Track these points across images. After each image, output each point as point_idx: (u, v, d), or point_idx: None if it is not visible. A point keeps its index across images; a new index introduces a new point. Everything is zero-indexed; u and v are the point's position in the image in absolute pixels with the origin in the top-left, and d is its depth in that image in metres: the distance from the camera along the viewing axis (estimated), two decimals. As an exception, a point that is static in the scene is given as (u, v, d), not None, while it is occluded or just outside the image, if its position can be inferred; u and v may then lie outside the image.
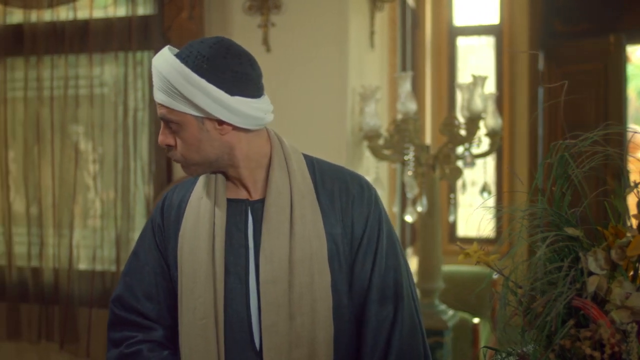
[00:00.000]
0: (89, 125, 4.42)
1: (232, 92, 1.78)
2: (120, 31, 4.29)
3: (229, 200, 1.94)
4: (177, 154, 1.87)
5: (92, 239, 4.45)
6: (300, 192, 1.90)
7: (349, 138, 3.93)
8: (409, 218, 4.25)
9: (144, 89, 4.32)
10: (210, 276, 1.89)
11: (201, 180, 1.98)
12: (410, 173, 4.11)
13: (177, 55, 1.80)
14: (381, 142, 4.15)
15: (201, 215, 1.93)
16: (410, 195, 4.15)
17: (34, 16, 4.45)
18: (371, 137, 4.06)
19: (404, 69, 5.29)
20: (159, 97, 1.81)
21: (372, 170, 4.22)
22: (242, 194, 1.94)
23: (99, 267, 4.41)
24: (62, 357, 4.50)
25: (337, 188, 1.94)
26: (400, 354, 1.90)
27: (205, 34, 3.97)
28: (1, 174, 4.53)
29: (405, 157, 4.12)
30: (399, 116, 4.21)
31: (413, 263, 5.33)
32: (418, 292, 4.33)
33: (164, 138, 1.86)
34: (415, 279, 4.40)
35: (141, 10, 4.27)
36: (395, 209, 4.58)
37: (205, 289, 1.89)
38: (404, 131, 4.11)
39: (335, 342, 1.90)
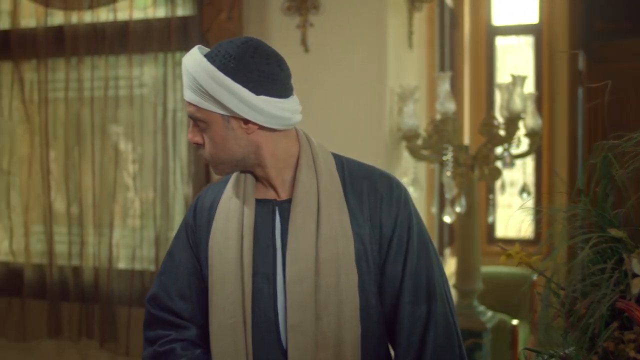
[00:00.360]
0: (129, 126, 4.46)
1: (258, 92, 1.79)
2: (160, 32, 4.32)
3: (258, 200, 1.95)
4: (205, 152, 1.89)
5: (131, 238, 4.49)
6: (327, 192, 1.90)
7: (387, 138, 3.92)
8: (447, 219, 4.23)
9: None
10: (238, 276, 1.90)
11: (232, 180, 2.00)
12: (448, 173, 4.09)
13: (206, 55, 1.82)
14: (419, 142, 4.13)
15: (230, 215, 1.95)
16: (448, 195, 4.13)
17: (74, 18, 4.49)
18: (409, 137, 4.05)
19: (442, 69, 5.26)
20: (187, 95, 1.84)
21: (411, 171, 4.20)
22: (270, 194, 1.95)
23: (138, 267, 4.45)
24: (101, 355, 4.54)
25: (365, 188, 1.93)
26: (435, 355, 1.89)
27: (244, 34, 3.98)
28: (42, 173, 4.58)
29: (444, 158, 4.10)
30: (438, 116, 4.19)
31: (451, 264, 5.31)
32: (456, 293, 4.32)
33: (193, 136, 1.89)
34: (453, 280, 4.38)
35: (180, 11, 4.30)
36: (434, 210, 4.56)
37: (233, 289, 1.91)
38: (442, 131, 4.09)
39: (363, 344, 1.90)
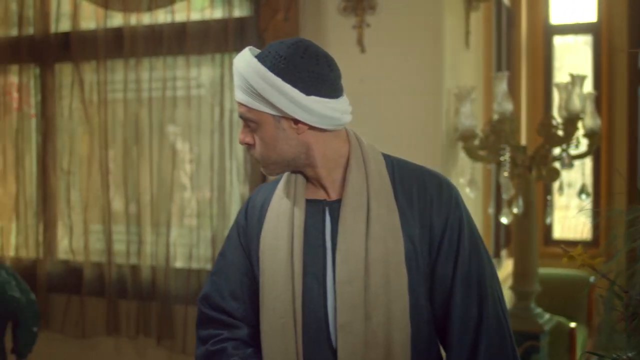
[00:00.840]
0: (186, 126, 4.51)
1: (308, 92, 1.81)
2: (217, 33, 4.35)
3: (308, 201, 1.96)
4: (256, 152, 1.91)
5: (188, 237, 4.54)
6: (377, 192, 1.89)
7: (443, 139, 3.89)
8: (504, 220, 4.19)
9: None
10: (289, 276, 1.91)
11: (282, 181, 2.01)
12: (506, 174, 4.05)
13: (257, 56, 1.84)
14: (476, 142, 4.10)
15: (281, 215, 1.96)
16: (505, 196, 4.09)
17: (133, 19, 4.56)
18: (466, 137, 4.02)
19: (499, 68, 5.22)
20: (238, 95, 1.86)
21: (467, 171, 4.17)
22: (321, 194, 1.95)
23: (194, 266, 4.49)
24: (158, 352, 4.59)
25: (415, 188, 1.92)
26: (487, 357, 1.88)
27: (300, 35, 3.99)
28: (102, 173, 4.65)
29: (501, 158, 4.06)
30: (495, 116, 4.15)
31: (508, 265, 5.26)
32: (513, 295, 4.28)
33: (244, 137, 1.91)
34: (510, 281, 4.34)
35: (237, 12, 4.33)
36: (490, 211, 4.52)
37: (284, 289, 1.91)
38: (500, 132, 4.05)
39: (413, 344, 1.89)
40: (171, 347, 4.53)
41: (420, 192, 1.91)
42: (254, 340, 2.03)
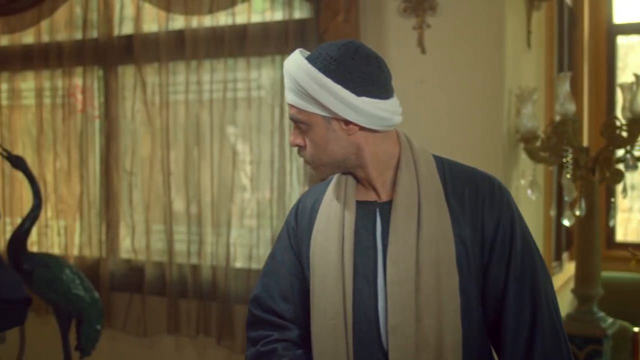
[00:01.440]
0: (246, 127, 4.54)
1: (358, 93, 1.81)
2: (277, 35, 4.38)
3: (358, 202, 1.96)
4: (306, 154, 1.92)
5: (248, 238, 4.57)
6: (427, 194, 1.89)
7: (505, 140, 3.86)
8: (566, 222, 4.13)
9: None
10: (339, 278, 1.91)
11: (333, 182, 2.02)
12: (568, 176, 3.99)
13: (307, 57, 1.85)
14: (538, 144, 4.05)
15: (331, 217, 1.97)
16: (568, 198, 4.03)
17: (194, 22, 4.61)
18: (528, 139, 3.97)
19: (560, 69, 5.15)
20: (289, 97, 1.87)
21: (529, 173, 4.13)
22: (372, 196, 1.95)
23: (254, 266, 4.52)
24: (218, 352, 4.63)
25: (467, 190, 1.92)
26: (543, 358, 1.86)
27: (361, 36, 3.99)
28: (163, 174, 4.71)
29: (564, 160, 4.00)
30: (557, 117, 4.10)
31: (570, 268, 5.19)
32: (575, 298, 4.22)
33: (294, 138, 1.92)
34: (572, 284, 4.28)
35: (297, 14, 4.34)
36: (552, 213, 4.46)
37: (334, 291, 1.92)
38: (562, 133, 3.99)
39: (464, 346, 1.88)
40: (231, 346, 4.57)
41: (471, 193, 1.91)
42: (304, 342, 2.04)
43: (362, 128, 1.86)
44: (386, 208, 1.92)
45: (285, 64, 1.89)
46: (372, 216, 1.93)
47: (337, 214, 1.95)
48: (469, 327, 1.89)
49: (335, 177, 2.02)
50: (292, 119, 1.90)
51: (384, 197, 1.94)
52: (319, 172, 1.95)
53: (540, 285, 1.90)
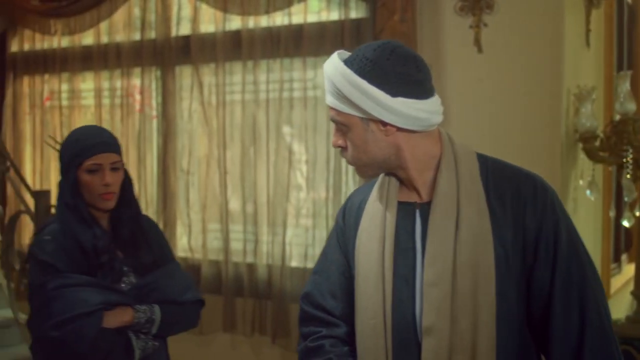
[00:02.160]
0: (302, 127, 4.56)
1: (394, 94, 1.80)
2: (333, 35, 4.39)
3: (400, 203, 1.95)
4: (348, 155, 1.92)
5: (303, 237, 4.59)
6: (467, 195, 1.86)
7: (563, 140, 3.82)
8: (625, 223, 4.07)
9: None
10: (379, 278, 1.91)
11: (378, 182, 2.01)
12: (628, 176, 3.94)
13: (345, 60, 1.85)
14: (597, 143, 4.00)
15: (374, 217, 1.97)
16: (627, 199, 3.97)
17: (251, 22, 4.64)
18: (587, 138, 3.93)
19: (620, 67, 5.07)
20: (328, 99, 1.88)
21: (587, 173, 4.07)
22: (413, 197, 1.94)
23: (310, 265, 4.52)
24: (273, 350, 4.66)
25: (509, 191, 1.88)
26: None
27: (417, 35, 3.98)
28: (220, 173, 4.75)
29: (624, 160, 3.94)
30: (617, 117, 4.04)
31: (629, 270, 5.11)
32: (634, 300, 4.15)
33: (336, 140, 1.92)
34: (631, 286, 4.21)
35: (354, 14, 4.35)
36: (611, 213, 4.39)
37: (375, 290, 1.92)
38: (622, 132, 3.94)
39: (502, 351, 1.84)
40: (286, 345, 4.59)
41: (513, 195, 1.87)
42: (352, 339, 2.04)
43: (400, 129, 1.84)
44: (426, 209, 1.90)
45: (324, 67, 1.90)
46: (412, 217, 1.92)
47: (380, 214, 1.96)
48: (507, 331, 1.85)
49: (379, 178, 2.01)
50: (332, 120, 1.90)
51: (425, 198, 1.92)
52: (362, 172, 1.96)
53: (588, 289, 1.85)
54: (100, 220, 2.60)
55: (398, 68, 1.80)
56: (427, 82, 1.86)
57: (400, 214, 1.94)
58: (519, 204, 1.86)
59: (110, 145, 2.57)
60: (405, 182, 1.95)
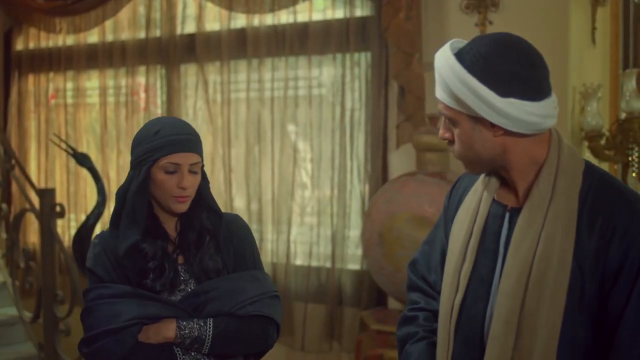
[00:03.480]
0: (307, 125, 4.55)
1: (504, 94, 1.70)
2: (338, 33, 4.39)
3: (495, 202, 1.89)
4: (454, 149, 1.85)
5: (308, 235, 4.59)
6: (557, 211, 1.77)
7: (569, 138, 3.81)
8: (631, 222, 4.05)
9: (361, 90, 4.39)
10: (457, 269, 1.89)
11: (482, 176, 1.95)
12: (634, 174, 3.92)
13: (458, 52, 1.76)
14: (603, 142, 3.98)
15: (469, 209, 1.93)
16: (633, 197, 3.96)
17: (256, 20, 4.64)
18: (592, 137, 3.91)
19: (626, 65, 5.04)
20: (438, 92, 1.80)
21: (593, 172, 4.06)
22: (510, 199, 1.87)
23: (314, 263, 4.53)
24: (277, 349, 4.59)
25: (602, 214, 1.75)
26: None
27: (423, 33, 3.97)
28: (224, 171, 4.75)
29: (629, 158, 3.93)
30: (623, 115, 4.03)
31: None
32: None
33: (443, 132, 1.85)
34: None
35: (359, 12, 4.35)
36: (617, 212, 4.38)
37: (451, 281, 1.90)
38: (627, 131, 3.92)
39: None
40: (290, 344, 4.58)
41: (604, 220, 1.74)
42: None
43: (508, 131, 1.75)
44: (516, 214, 1.83)
45: (435, 58, 1.80)
46: (501, 219, 1.87)
47: (473, 208, 1.91)
48: (569, 355, 1.77)
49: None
50: (441, 113, 1.83)
51: (521, 203, 1.84)
52: (468, 168, 1.89)
53: None
54: (167, 223, 2.27)
55: (511, 66, 1.70)
56: (543, 81, 1.75)
57: (492, 214, 1.89)
58: (608, 229, 1.74)
59: (193, 144, 2.22)
60: (507, 183, 1.88)
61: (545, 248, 1.75)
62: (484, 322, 1.83)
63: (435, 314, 2.01)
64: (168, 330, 2.17)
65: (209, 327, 2.19)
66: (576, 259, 1.74)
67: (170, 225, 2.28)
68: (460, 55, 1.73)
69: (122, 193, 2.22)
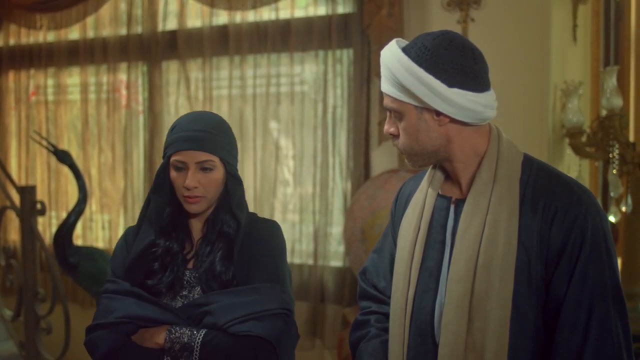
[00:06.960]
0: (289, 122, 4.55)
1: (450, 84, 1.79)
2: (321, 30, 4.39)
3: (440, 196, 1.97)
4: (399, 143, 1.92)
5: (290, 232, 4.58)
6: (500, 197, 1.85)
7: (550, 135, 3.82)
8: (612, 218, 4.08)
9: (343, 87, 4.40)
10: (408, 266, 1.96)
11: (427, 173, 2.03)
12: (614, 171, 3.94)
13: (404, 48, 1.86)
14: (584, 139, 4.00)
15: (415, 207, 2.01)
16: (613, 194, 3.98)
17: (238, 17, 4.63)
18: (573, 134, 3.93)
19: (607, 63, 5.07)
20: (384, 86, 1.88)
21: (574, 168, 4.08)
22: (454, 191, 1.95)
23: (297, 261, 4.53)
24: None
25: (543, 198, 1.83)
26: None
27: (405, 30, 3.98)
28: (206, 168, 4.73)
29: (610, 155, 3.95)
30: (603, 112, 4.05)
31: (615, 265, 5.12)
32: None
33: (388, 127, 1.92)
34: (617, 281, 4.22)
35: (341, 9, 4.35)
36: (598, 209, 4.40)
37: (403, 277, 1.97)
38: (608, 128, 3.94)
39: (512, 356, 1.81)
40: (275, 341, 4.57)
41: (546, 201, 1.83)
42: None
43: (452, 120, 1.84)
44: (461, 205, 1.91)
45: (381, 54, 1.89)
46: (446, 211, 1.95)
47: (419, 205, 1.99)
48: (519, 338, 1.82)
49: (429, 169, 2.03)
50: (386, 107, 1.91)
51: (465, 194, 1.93)
52: (412, 161, 1.95)
53: (605, 310, 1.78)
54: (194, 224, 2.22)
55: (456, 59, 1.80)
56: (483, 75, 1.86)
57: (437, 207, 1.97)
58: (550, 212, 1.82)
59: (203, 141, 2.11)
60: (451, 175, 1.96)
61: (491, 232, 1.83)
62: (434, 312, 1.90)
63: (386, 316, 2.07)
64: (160, 336, 2.12)
65: (199, 336, 2.10)
66: (521, 240, 1.82)
67: (197, 227, 2.23)
68: (406, 50, 1.84)
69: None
